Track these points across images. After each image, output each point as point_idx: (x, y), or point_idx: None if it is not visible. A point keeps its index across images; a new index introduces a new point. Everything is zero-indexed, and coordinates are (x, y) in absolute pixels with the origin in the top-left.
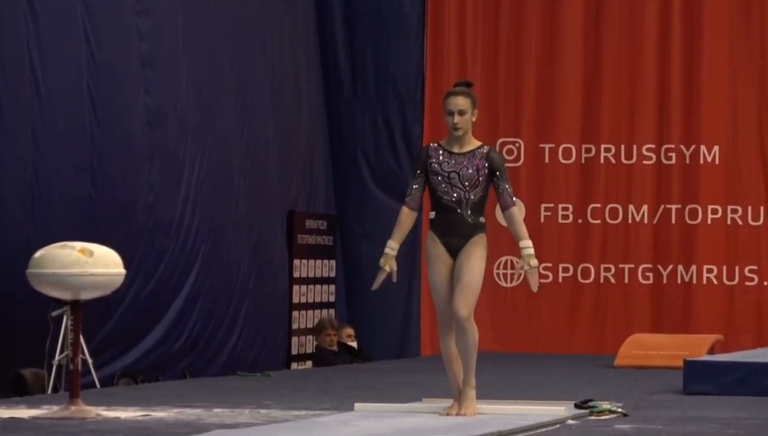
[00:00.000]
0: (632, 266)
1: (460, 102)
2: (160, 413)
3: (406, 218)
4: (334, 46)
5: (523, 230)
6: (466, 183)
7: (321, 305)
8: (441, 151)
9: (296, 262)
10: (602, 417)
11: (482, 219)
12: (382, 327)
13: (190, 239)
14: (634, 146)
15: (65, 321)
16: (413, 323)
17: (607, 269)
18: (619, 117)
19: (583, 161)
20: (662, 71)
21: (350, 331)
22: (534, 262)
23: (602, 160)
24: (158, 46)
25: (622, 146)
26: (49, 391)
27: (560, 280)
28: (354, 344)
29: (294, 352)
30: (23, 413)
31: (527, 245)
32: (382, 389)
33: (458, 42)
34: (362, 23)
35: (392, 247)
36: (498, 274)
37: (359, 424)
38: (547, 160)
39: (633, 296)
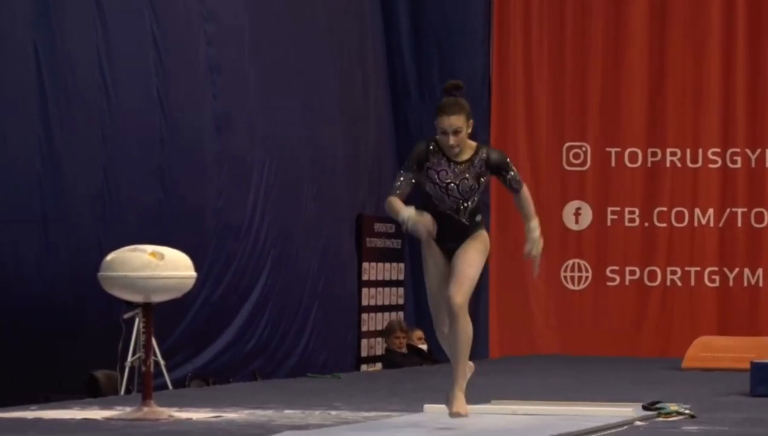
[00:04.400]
0: (698, 269)
1: (454, 121)
2: (231, 415)
3: (398, 202)
4: (401, 52)
5: (533, 209)
6: (465, 194)
7: (390, 308)
8: (439, 157)
9: (365, 265)
10: (670, 419)
11: (478, 218)
12: None
13: (259, 243)
14: (700, 150)
15: (137, 323)
16: (481, 326)
17: (674, 272)
18: (685, 121)
19: (649, 165)
20: (727, 75)
21: (420, 333)
22: (541, 245)
23: (668, 164)
24: (225, 52)
25: (688, 150)
26: (122, 392)
27: (627, 283)
28: (424, 347)
29: (363, 354)
30: (97, 414)
31: (536, 225)
32: None
33: (524, 47)
34: (428, 29)
35: (408, 210)
36: (565, 277)
37: (429, 425)
38: (613, 164)
39: (699, 298)
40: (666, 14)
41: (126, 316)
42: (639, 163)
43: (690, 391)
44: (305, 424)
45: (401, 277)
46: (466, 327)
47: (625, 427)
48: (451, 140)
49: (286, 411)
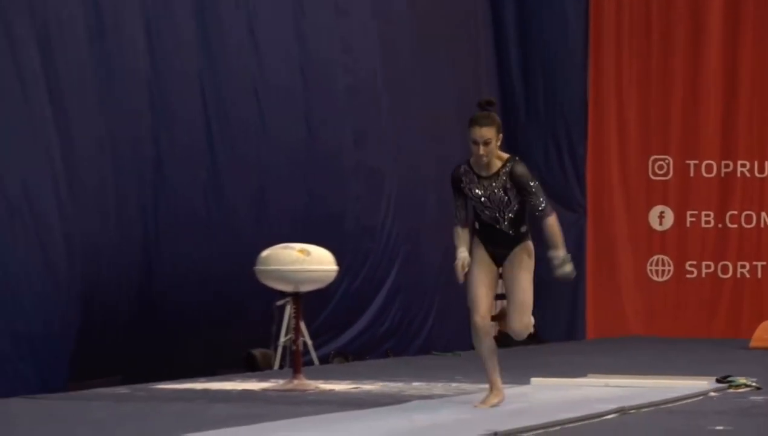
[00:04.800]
0: (764, 263)
1: (485, 133)
2: (368, 386)
3: (463, 233)
4: (511, 77)
5: (555, 239)
6: (499, 205)
7: (502, 296)
8: (470, 175)
9: None
10: (739, 390)
11: (523, 229)
12: (554, 314)
13: (390, 242)
14: (766, 163)
15: (288, 310)
16: (579, 312)
17: (743, 266)
18: (753, 137)
19: (722, 175)
20: None
21: None
22: (568, 269)
23: (739, 175)
24: (361, 78)
25: (756, 162)
26: (276, 368)
27: (703, 275)
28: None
29: None
30: (255, 386)
31: (557, 254)
32: (553, 366)
33: (615, 73)
34: (534, 56)
35: (462, 251)
36: (651, 270)
37: (535, 395)
38: (692, 175)
39: (765, 288)
40: (737, 45)
41: (279, 303)
42: (714, 173)
43: (756, 367)
44: (430, 394)
45: None
46: (488, 344)
47: (701, 397)
48: (481, 150)
49: (414, 383)
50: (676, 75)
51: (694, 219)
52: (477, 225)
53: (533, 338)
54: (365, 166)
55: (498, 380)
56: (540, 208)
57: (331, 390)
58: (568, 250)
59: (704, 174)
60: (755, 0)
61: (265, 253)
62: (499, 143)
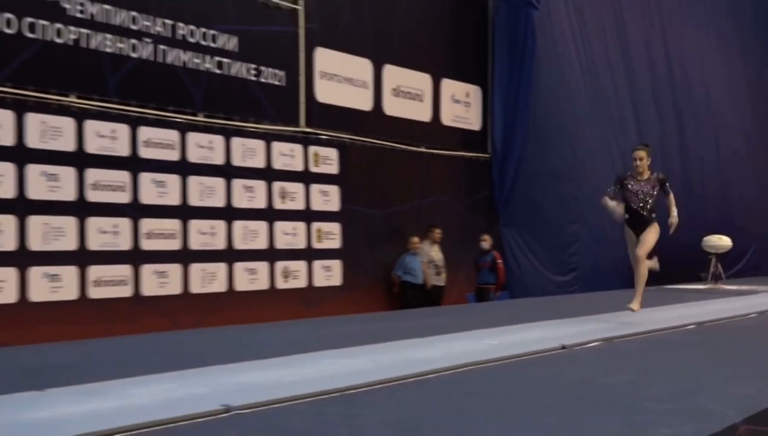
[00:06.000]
0: None
1: (641, 154)
2: (732, 287)
3: (609, 201)
4: None
5: (673, 206)
6: (645, 197)
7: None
8: (631, 179)
9: None
10: None
11: (654, 215)
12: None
13: (746, 230)
14: None
15: (713, 259)
16: None
17: None
18: None
19: None
20: None
21: None
22: (676, 223)
23: None
24: (727, 137)
25: None
26: (709, 280)
27: None
28: None
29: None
30: (700, 287)
31: (675, 213)
32: None
33: None
34: None
35: (616, 205)
36: None
37: (759, 299)
38: None
39: None
40: None
41: (709, 257)
42: None
43: None
44: (748, 291)
45: None
46: (643, 269)
47: None
48: (638, 163)
49: (743, 286)
50: None
51: None
52: (627, 216)
53: (760, 271)
54: (751, 193)
55: (640, 293)
56: (669, 190)
57: (730, 289)
58: None
59: None
60: None
61: (705, 238)
62: (649, 162)
